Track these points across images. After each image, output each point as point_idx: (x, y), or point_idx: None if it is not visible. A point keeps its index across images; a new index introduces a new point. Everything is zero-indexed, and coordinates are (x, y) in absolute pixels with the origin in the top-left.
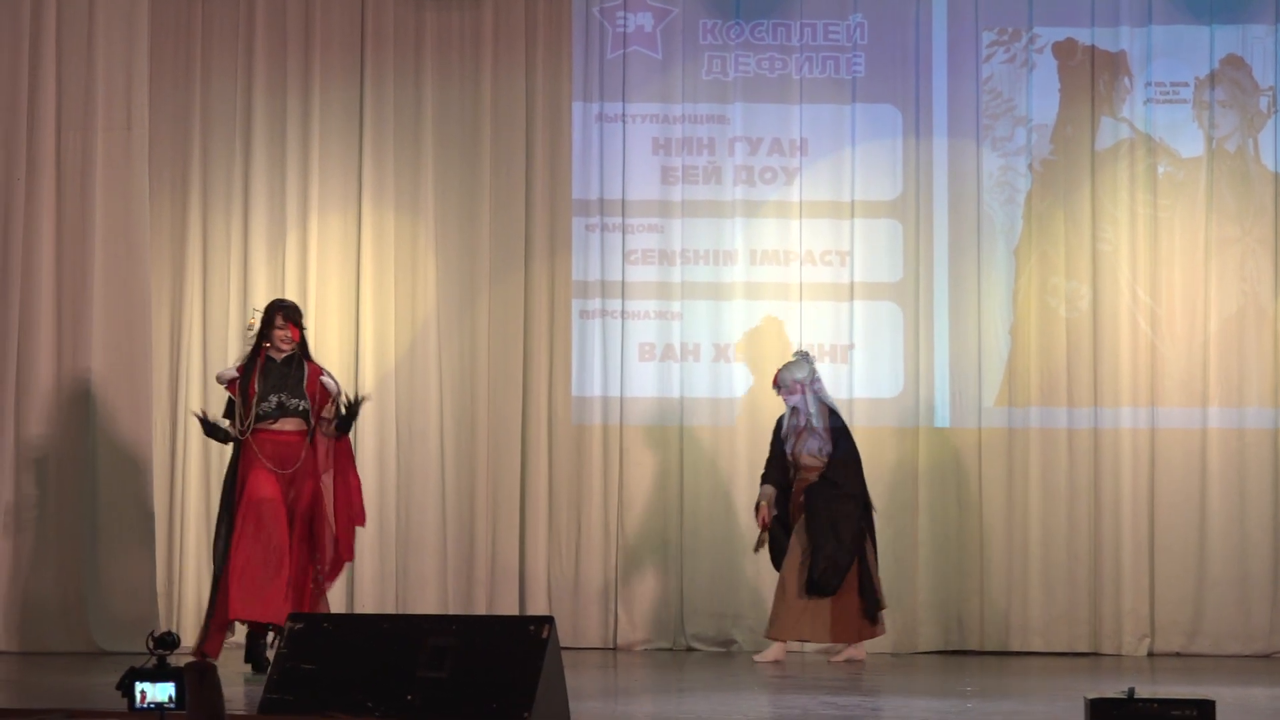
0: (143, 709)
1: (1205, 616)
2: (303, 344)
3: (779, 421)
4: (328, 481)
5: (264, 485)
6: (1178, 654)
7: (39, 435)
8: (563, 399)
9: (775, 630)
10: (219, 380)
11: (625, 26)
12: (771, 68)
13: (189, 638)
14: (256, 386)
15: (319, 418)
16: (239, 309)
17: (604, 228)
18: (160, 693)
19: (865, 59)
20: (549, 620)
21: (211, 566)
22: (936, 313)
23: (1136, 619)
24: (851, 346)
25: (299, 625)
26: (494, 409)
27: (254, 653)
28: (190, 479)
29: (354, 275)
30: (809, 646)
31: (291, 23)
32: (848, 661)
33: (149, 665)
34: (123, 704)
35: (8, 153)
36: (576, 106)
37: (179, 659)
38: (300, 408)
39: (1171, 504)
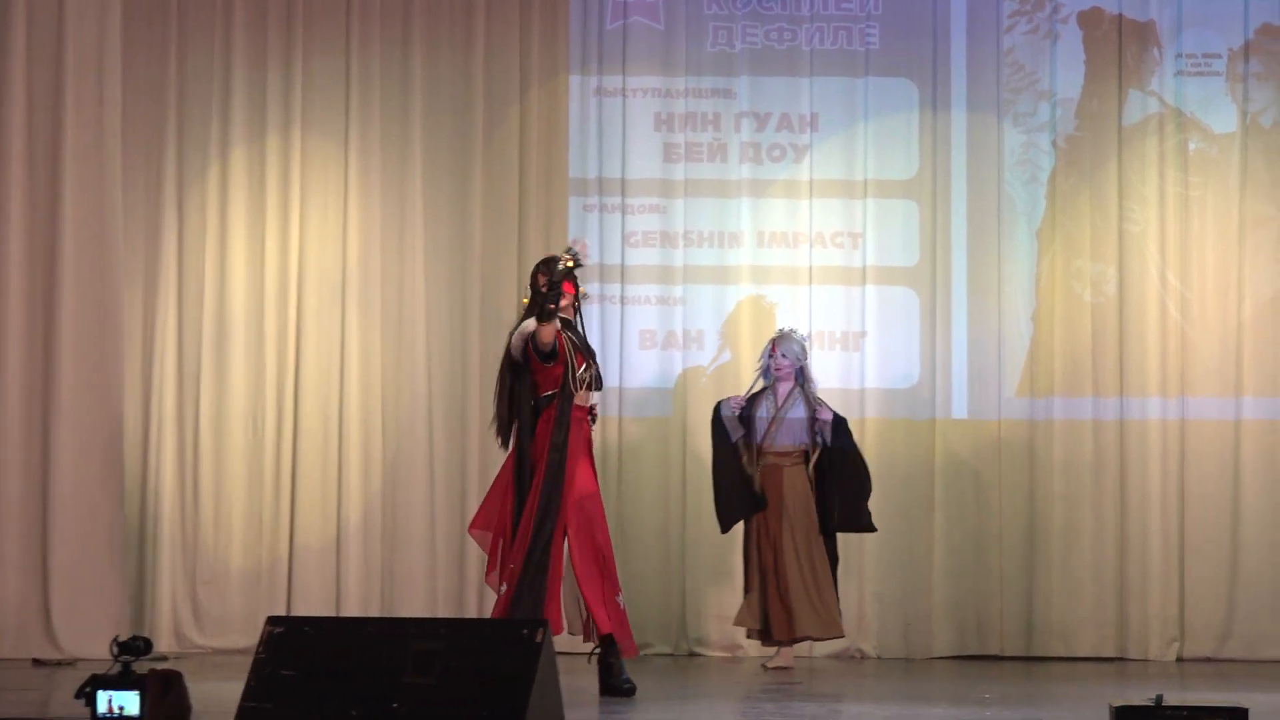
0: (106, 718)
1: (1238, 619)
2: (578, 301)
3: (719, 410)
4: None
5: (589, 474)
6: (1209, 659)
7: (4, 431)
8: None
9: (782, 631)
10: (541, 339)
11: None
12: (780, 39)
13: (162, 643)
14: (584, 351)
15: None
16: (215, 296)
17: (602, 208)
18: (126, 702)
19: (879, 29)
20: (543, 623)
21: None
22: (954, 298)
23: (1165, 622)
24: (864, 334)
25: (278, 629)
26: (487, 398)
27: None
28: (164, 477)
29: (339, 259)
30: (818, 648)
31: None
32: (781, 669)
33: (113, 672)
34: (85, 713)
35: None
36: (573, 80)
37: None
38: (599, 375)
39: (1203, 500)
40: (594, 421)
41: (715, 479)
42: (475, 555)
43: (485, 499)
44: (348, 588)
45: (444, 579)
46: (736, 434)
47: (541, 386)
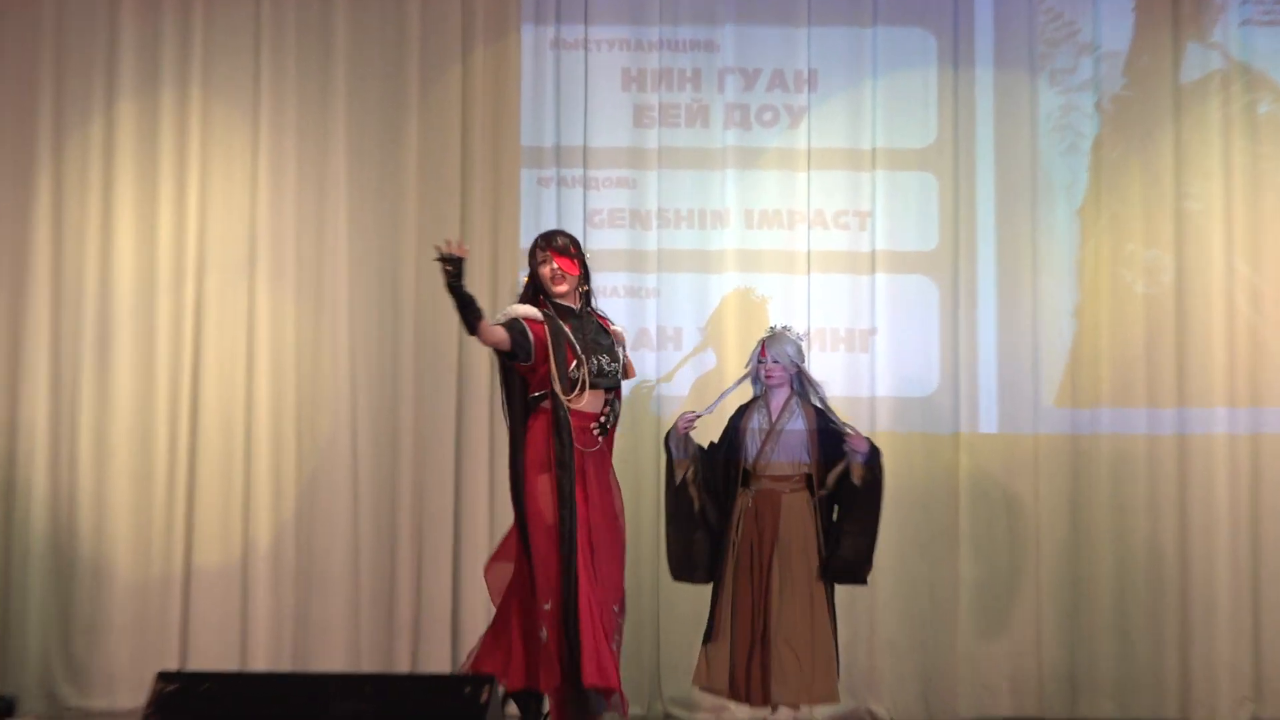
0: None
1: None
2: (586, 281)
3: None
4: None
5: (598, 491)
6: None
7: None
8: None
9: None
10: (485, 342)
11: None
12: None
13: (30, 703)
14: (575, 344)
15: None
16: (96, 282)
17: (561, 182)
18: None
19: None
20: (489, 680)
21: None
22: (981, 289)
23: (1236, 677)
24: (874, 332)
25: (171, 686)
26: (422, 411)
27: None
28: (35, 504)
29: (246, 240)
30: (819, 709)
31: None
32: None
33: None
34: None
35: None
36: (526, 30)
37: None
38: (618, 374)
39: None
40: (604, 430)
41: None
42: (408, 598)
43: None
44: (253, 636)
45: (369, 626)
46: (682, 468)
47: (532, 385)
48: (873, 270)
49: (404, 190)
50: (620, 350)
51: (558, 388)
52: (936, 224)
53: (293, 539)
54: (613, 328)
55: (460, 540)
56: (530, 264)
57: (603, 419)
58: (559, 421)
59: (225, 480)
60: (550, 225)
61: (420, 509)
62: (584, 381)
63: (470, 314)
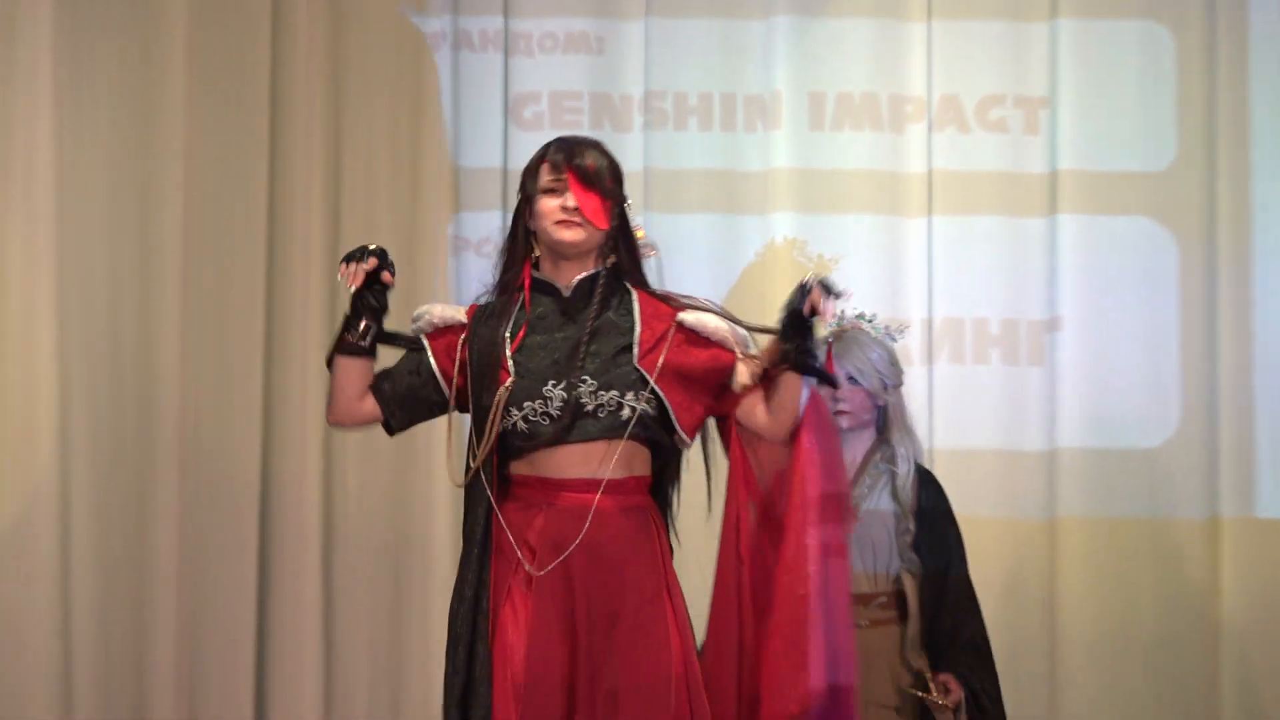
0: None
1: None
2: (624, 243)
3: None
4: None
5: (542, 628)
6: None
7: None
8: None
9: None
10: (418, 328)
11: None
12: None
13: None
14: (509, 361)
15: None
16: None
17: (461, 42)
18: None
19: None
20: None
21: None
22: (1258, 247)
23: None
24: (1054, 327)
25: None
26: (200, 457)
27: None
28: None
29: None
30: None
31: None
32: None
33: None
34: None
35: None
36: None
37: None
38: (621, 410)
39: None
40: (651, 518)
41: None
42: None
43: None
44: None
45: None
46: None
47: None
48: (1052, 210)
49: (167, 71)
50: (634, 362)
51: (470, 447)
52: (1173, 123)
53: None
54: (686, 318)
55: (267, 629)
56: (525, 189)
57: (637, 495)
58: (470, 500)
59: None
60: (444, 120)
61: (200, 580)
62: (517, 427)
63: (351, 335)
